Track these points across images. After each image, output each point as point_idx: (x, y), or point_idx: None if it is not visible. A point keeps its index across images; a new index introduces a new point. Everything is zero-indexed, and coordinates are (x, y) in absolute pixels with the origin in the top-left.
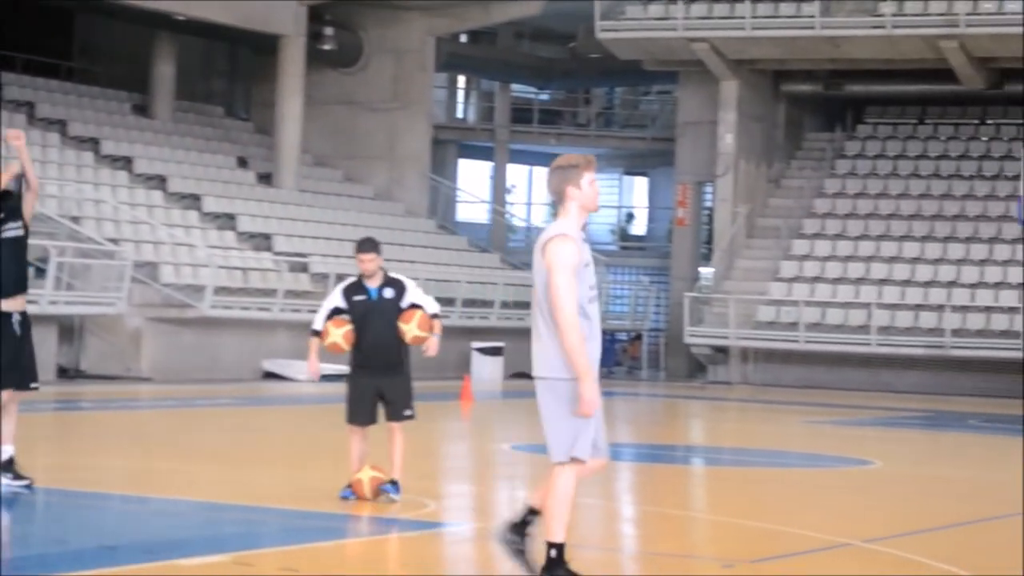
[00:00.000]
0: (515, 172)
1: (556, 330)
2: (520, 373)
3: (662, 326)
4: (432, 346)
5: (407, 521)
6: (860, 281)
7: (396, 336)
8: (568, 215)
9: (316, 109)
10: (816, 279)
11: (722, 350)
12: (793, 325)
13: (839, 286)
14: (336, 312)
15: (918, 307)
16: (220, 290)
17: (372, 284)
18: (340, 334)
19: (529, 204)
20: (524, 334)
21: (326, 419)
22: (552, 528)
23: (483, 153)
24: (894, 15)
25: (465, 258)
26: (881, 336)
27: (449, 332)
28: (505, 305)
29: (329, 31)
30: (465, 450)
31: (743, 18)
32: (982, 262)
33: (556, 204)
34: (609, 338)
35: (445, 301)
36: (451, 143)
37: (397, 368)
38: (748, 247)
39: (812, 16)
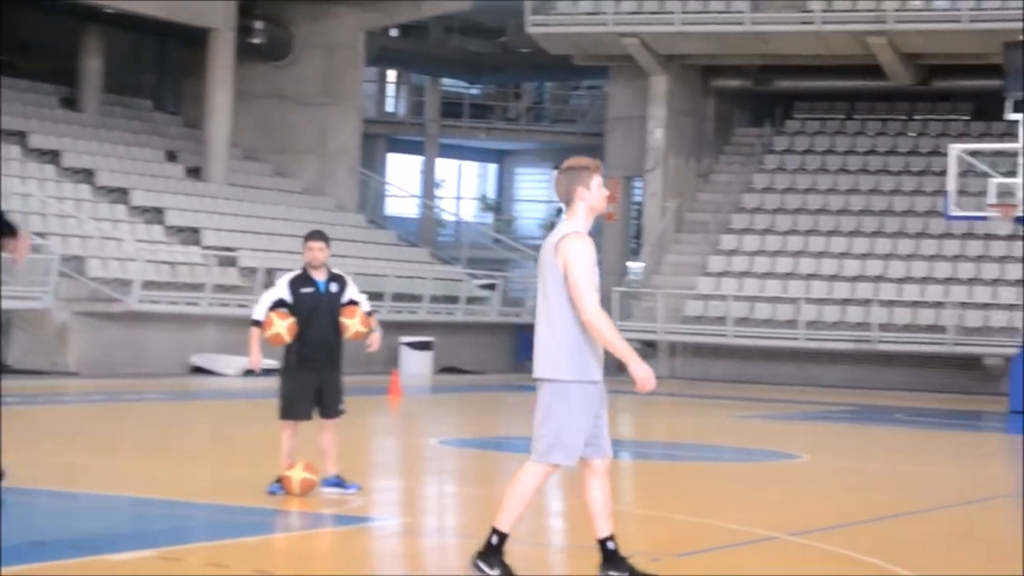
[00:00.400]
0: (445, 166)
1: (577, 327)
2: (449, 368)
3: None
4: (376, 341)
5: (335, 516)
6: (788, 276)
7: (338, 331)
8: (576, 216)
9: (246, 103)
10: (744, 274)
11: (651, 344)
12: (721, 319)
13: (767, 281)
14: (279, 304)
15: (845, 302)
16: (148, 284)
17: (319, 277)
18: (284, 326)
19: (458, 199)
20: (453, 329)
21: (254, 414)
22: (503, 517)
23: (413, 147)
24: (823, 11)
25: (394, 252)
26: (808, 331)
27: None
28: (434, 300)
29: (259, 25)
30: (393, 445)
31: (673, 13)
32: (908, 257)
33: (564, 205)
34: None
35: (374, 295)
36: (381, 137)
37: (337, 364)
38: (677, 242)
39: (742, 12)
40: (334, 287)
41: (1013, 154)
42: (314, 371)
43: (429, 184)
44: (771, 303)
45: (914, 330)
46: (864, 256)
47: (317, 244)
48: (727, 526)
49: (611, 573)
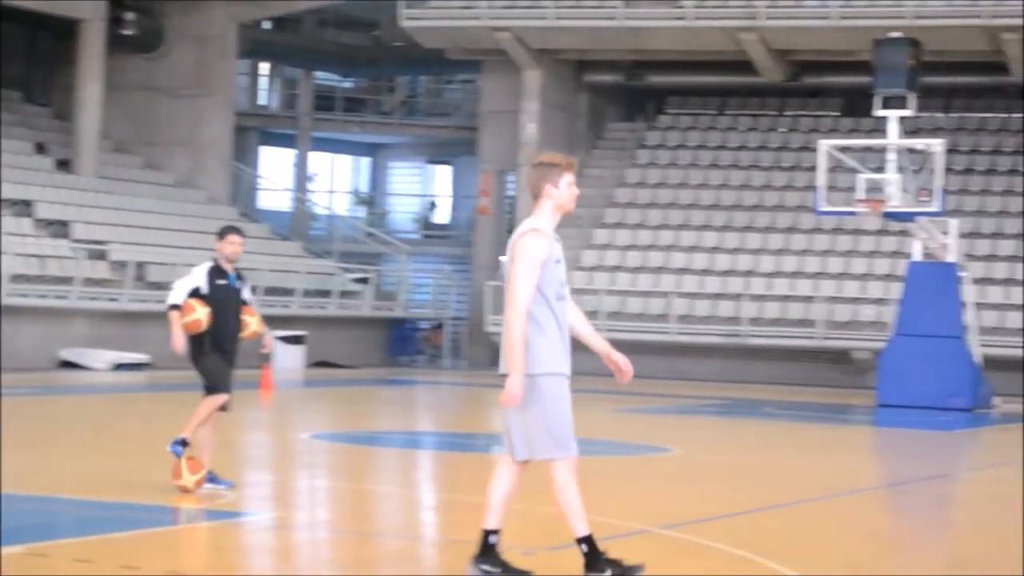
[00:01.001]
0: (318, 160)
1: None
2: (322, 362)
3: (464, 315)
4: (270, 343)
5: (206, 511)
6: (660, 270)
7: (240, 327)
8: (541, 212)
9: (116, 95)
10: (617, 268)
11: None
12: (594, 314)
13: (639, 275)
14: (194, 293)
15: (716, 296)
16: (17, 278)
17: (230, 271)
18: (205, 313)
19: (331, 192)
20: (325, 323)
21: (123, 409)
22: (573, 525)
23: (286, 140)
24: (695, 7)
25: (267, 246)
26: (680, 325)
27: None
28: (307, 293)
29: (130, 16)
30: (265, 439)
31: (546, 8)
32: (778, 252)
33: (532, 200)
34: (411, 327)
35: None
36: (253, 130)
37: (236, 358)
38: None
39: (614, 7)
40: (239, 283)
41: (882, 150)
42: (226, 354)
43: (302, 177)
44: (643, 297)
45: (784, 324)
46: (734, 251)
47: (238, 239)
48: (600, 519)
49: (483, 566)
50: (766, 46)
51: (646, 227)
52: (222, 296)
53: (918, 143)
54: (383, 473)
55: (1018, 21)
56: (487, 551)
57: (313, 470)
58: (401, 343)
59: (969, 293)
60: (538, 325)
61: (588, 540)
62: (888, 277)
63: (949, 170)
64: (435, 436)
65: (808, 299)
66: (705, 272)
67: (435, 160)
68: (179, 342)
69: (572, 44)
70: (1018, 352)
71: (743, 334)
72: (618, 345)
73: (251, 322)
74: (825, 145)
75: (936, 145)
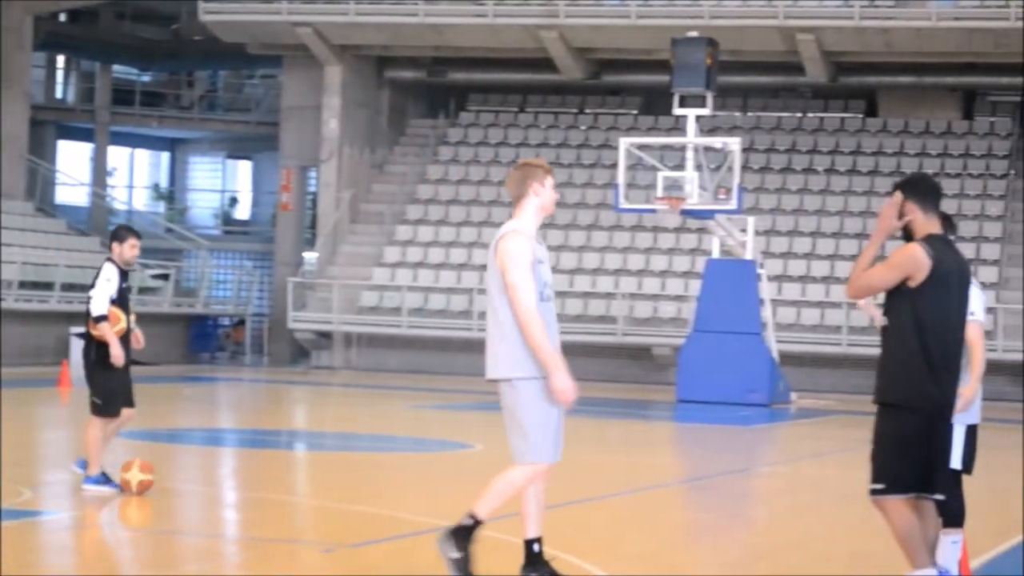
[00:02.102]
0: (116, 154)
1: (517, 327)
2: None
3: (266, 311)
4: (140, 338)
5: (3, 510)
6: (462, 267)
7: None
8: (522, 214)
9: None
10: (419, 264)
11: (326, 335)
12: (396, 310)
13: (442, 271)
14: (112, 300)
15: None
16: None
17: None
18: (127, 321)
19: (131, 187)
20: None
21: None
22: (482, 503)
23: (83, 135)
24: (496, 4)
25: (64, 241)
26: (482, 321)
27: (47, 317)
28: None
29: None
30: (63, 437)
31: (347, 3)
32: (580, 248)
33: (513, 202)
34: (212, 323)
35: (44, 285)
36: (50, 124)
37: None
38: (352, 232)
39: (416, 3)
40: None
41: (680, 148)
42: (127, 367)
43: (100, 172)
44: (445, 294)
45: (585, 321)
46: None
47: (137, 241)
48: (401, 516)
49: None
50: (566, 44)
51: (448, 224)
52: (126, 300)
53: (716, 141)
54: (184, 471)
55: (813, 22)
56: (536, 561)
57: (113, 468)
58: (202, 340)
59: (766, 290)
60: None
61: (477, 522)
62: (687, 274)
63: (746, 168)
64: (237, 433)
65: (609, 296)
66: None
67: (235, 155)
68: (118, 356)
69: (373, 40)
70: (814, 348)
71: None
72: (421, 342)
73: (122, 318)
74: (625, 143)
75: (733, 144)
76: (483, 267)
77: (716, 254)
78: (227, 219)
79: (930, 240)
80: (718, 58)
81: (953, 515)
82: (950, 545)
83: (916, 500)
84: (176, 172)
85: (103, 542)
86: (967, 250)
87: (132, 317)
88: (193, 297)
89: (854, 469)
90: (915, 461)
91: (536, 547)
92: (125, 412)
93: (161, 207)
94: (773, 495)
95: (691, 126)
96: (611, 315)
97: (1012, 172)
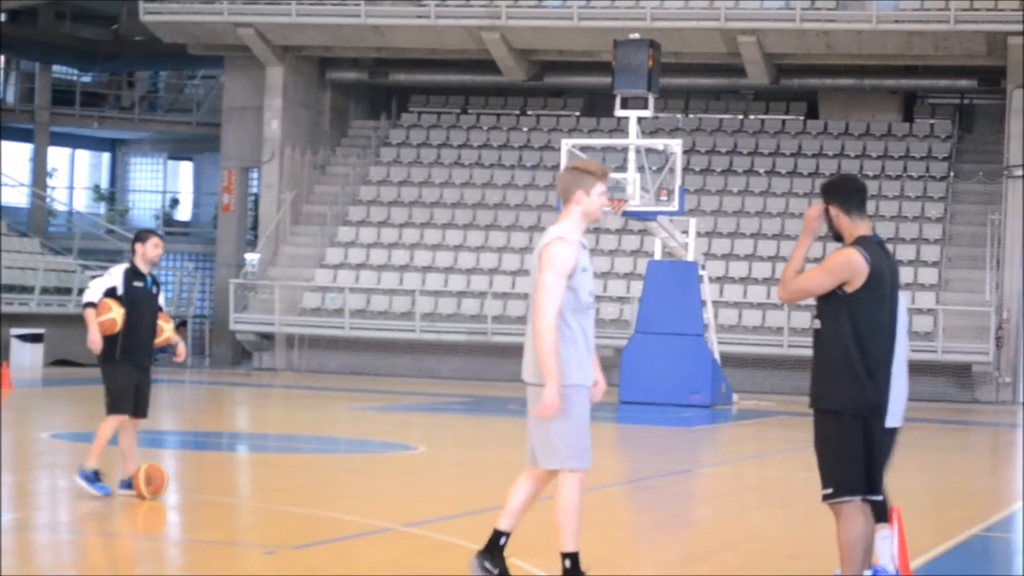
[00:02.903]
0: (56, 155)
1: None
2: (61, 360)
3: (207, 312)
4: (182, 352)
5: None
6: (404, 268)
7: (155, 332)
8: (569, 218)
9: None
10: (361, 266)
11: (268, 336)
12: (339, 312)
13: (384, 273)
14: (110, 293)
15: (460, 294)
16: None
17: (146, 273)
18: (121, 313)
19: (71, 188)
20: (64, 321)
21: None
22: (563, 539)
23: (23, 135)
24: (437, 5)
25: (4, 243)
26: (424, 323)
27: None
28: (45, 291)
29: None
30: (3, 439)
31: (289, 4)
32: (522, 250)
33: (561, 204)
34: None
35: None
36: None
37: (151, 363)
38: (294, 234)
39: (357, 4)
40: (154, 288)
41: (622, 150)
42: (134, 367)
43: (40, 173)
44: (387, 295)
45: (527, 322)
46: (478, 249)
47: (160, 241)
48: (343, 517)
49: (485, 563)
50: (508, 46)
51: (390, 225)
52: (138, 299)
53: (657, 143)
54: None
55: (754, 24)
56: (492, 550)
57: (53, 470)
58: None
59: (708, 291)
60: (564, 335)
61: (573, 557)
62: (629, 275)
63: (688, 170)
64: (178, 435)
65: None
66: (449, 270)
67: (176, 156)
68: (95, 341)
69: (315, 41)
70: (755, 349)
71: (487, 332)
72: (363, 344)
73: (165, 328)
74: (567, 144)
75: (675, 145)
76: (425, 269)
77: (658, 256)
78: (168, 220)
79: (864, 244)
80: (660, 60)
81: (879, 512)
82: (881, 541)
83: (863, 503)
84: (117, 173)
85: (43, 545)
86: (908, 252)
87: (169, 325)
88: None
89: (795, 470)
90: (857, 464)
91: (503, 540)
92: (131, 420)
93: (102, 208)
94: (715, 495)
95: (633, 128)
96: None
97: (952, 174)
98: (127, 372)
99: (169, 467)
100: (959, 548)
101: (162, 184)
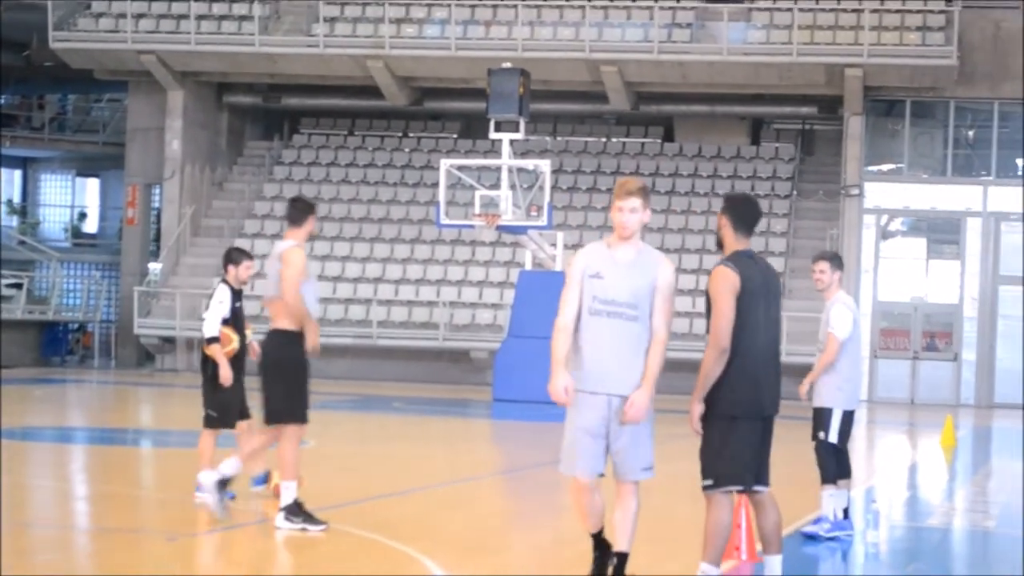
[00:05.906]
0: None
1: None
2: None
3: (113, 318)
4: (257, 348)
5: None
6: None
7: (246, 347)
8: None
9: None
10: (256, 276)
11: (169, 340)
12: None
13: None
14: (224, 321)
15: (348, 301)
16: None
17: (239, 291)
18: (236, 339)
19: None
20: None
21: None
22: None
23: None
24: (326, 35)
25: None
26: None
27: None
28: None
29: None
30: None
31: (188, 33)
32: (405, 260)
33: None
34: (62, 329)
35: None
36: None
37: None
38: (194, 245)
39: (252, 34)
40: (239, 303)
41: (496, 169)
42: (238, 380)
43: None
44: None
45: (410, 327)
46: (365, 260)
47: (252, 263)
48: (238, 506)
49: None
50: (391, 73)
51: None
52: (240, 319)
53: (528, 163)
54: (36, 467)
55: (616, 55)
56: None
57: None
58: (53, 344)
59: None
60: (574, 339)
61: (622, 556)
62: (503, 284)
63: (556, 188)
64: (86, 431)
65: (431, 304)
66: (338, 279)
67: (84, 173)
68: (227, 377)
69: (213, 67)
70: None
71: (373, 336)
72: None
73: (247, 334)
74: (445, 164)
75: (544, 166)
76: (316, 278)
77: (528, 266)
78: (76, 232)
79: (734, 258)
80: (530, 87)
81: (829, 475)
82: (827, 498)
83: (750, 495)
84: (28, 188)
85: None
86: None
87: (249, 331)
88: (45, 305)
89: (660, 461)
90: (743, 460)
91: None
92: (240, 424)
93: (14, 221)
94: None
95: (506, 149)
96: (433, 321)
97: (795, 193)
98: (234, 388)
99: (78, 461)
100: (797, 536)
101: (71, 199)
